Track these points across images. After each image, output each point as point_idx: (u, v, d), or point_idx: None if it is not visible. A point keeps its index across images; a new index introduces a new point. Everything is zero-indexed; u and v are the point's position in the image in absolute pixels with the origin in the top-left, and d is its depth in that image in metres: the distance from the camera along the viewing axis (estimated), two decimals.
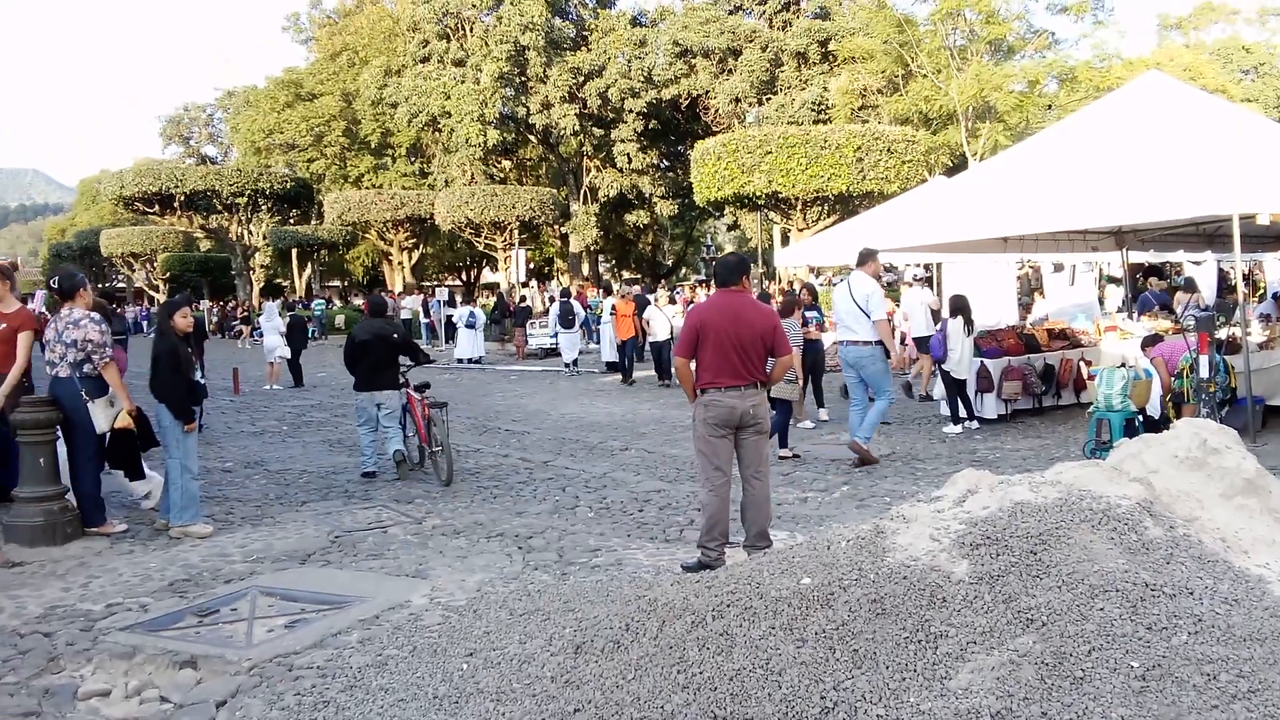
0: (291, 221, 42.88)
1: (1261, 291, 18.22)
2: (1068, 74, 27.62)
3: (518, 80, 35.57)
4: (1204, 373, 7.84)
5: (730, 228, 46.61)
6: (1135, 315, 12.94)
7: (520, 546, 6.28)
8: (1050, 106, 27.93)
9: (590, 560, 5.91)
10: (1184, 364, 8.01)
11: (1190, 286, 14.20)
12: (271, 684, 4.08)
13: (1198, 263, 16.74)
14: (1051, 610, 3.02)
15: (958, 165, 26.41)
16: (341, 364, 9.36)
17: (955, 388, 10.40)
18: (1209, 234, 12.72)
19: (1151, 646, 2.82)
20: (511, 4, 34.34)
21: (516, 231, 34.02)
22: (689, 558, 5.64)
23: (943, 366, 10.47)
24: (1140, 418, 8.21)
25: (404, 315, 30.26)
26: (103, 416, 6.66)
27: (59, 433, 6.72)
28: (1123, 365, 8.43)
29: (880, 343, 8.56)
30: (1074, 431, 9.78)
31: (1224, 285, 17.23)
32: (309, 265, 46.64)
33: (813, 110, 32.27)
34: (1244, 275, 14.85)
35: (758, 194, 24.81)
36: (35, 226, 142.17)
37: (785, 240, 28.43)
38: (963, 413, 10.36)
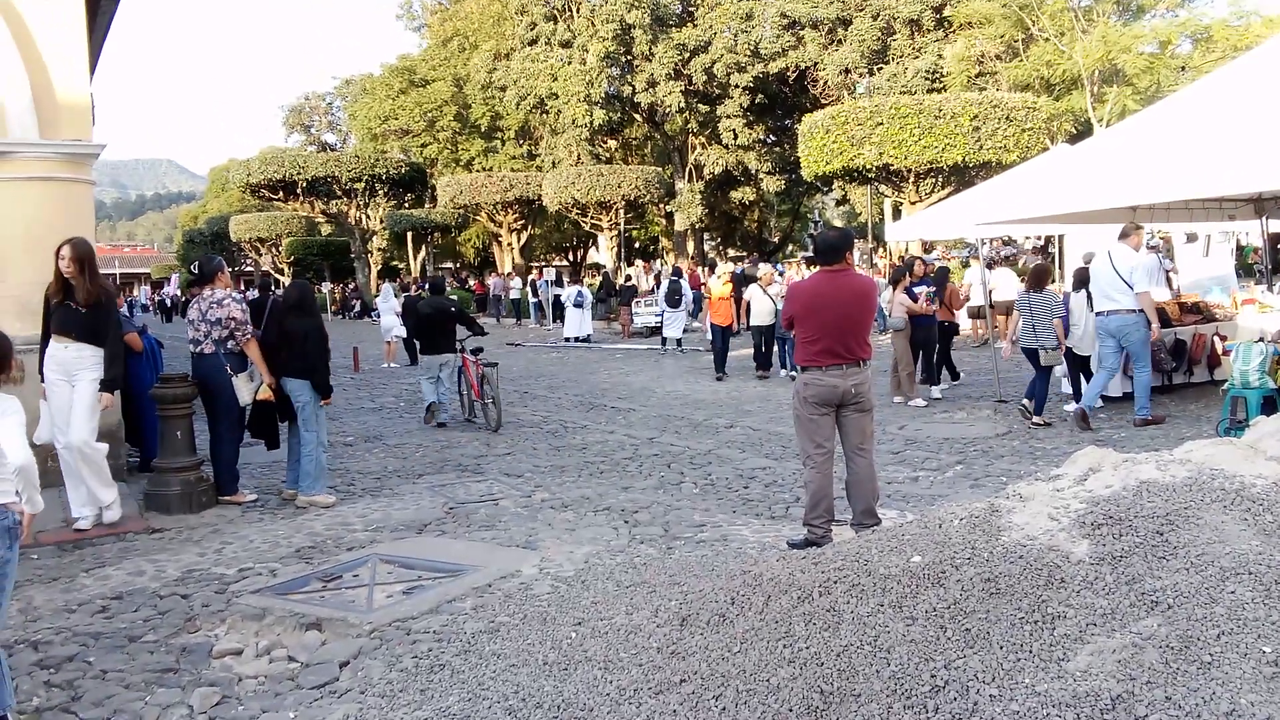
0: (406, 205, 44.21)
1: None
2: (1202, 33, 25.89)
3: (623, 59, 35.59)
4: None
5: (839, 202, 45.64)
6: (1276, 288, 12.11)
7: (626, 520, 6.36)
8: (1184, 68, 26.25)
9: (695, 535, 5.94)
10: None
11: None
12: (390, 647, 4.26)
13: None
14: (1178, 593, 2.88)
15: (1082, 132, 25.18)
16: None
17: (1078, 364, 9.97)
18: None
19: None
20: None
21: (622, 211, 34.18)
22: (795, 535, 5.61)
23: (1065, 343, 10.03)
24: None
25: (513, 295, 30.89)
26: (245, 390, 7.15)
27: (195, 408, 7.16)
28: (1261, 340, 7.91)
29: (1143, 311, 8.86)
30: (1207, 410, 9.26)
31: None
32: (423, 248, 48.02)
33: (927, 79, 31.19)
34: None
35: (868, 167, 24.21)
36: (170, 214, 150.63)
37: (897, 214, 27.70)
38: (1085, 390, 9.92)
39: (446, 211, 42.44)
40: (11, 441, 3.38)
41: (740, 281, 17.66)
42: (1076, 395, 9.96)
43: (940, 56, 30.90)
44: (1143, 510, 3.27)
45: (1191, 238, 15.06)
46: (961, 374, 12.77)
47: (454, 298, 14.42)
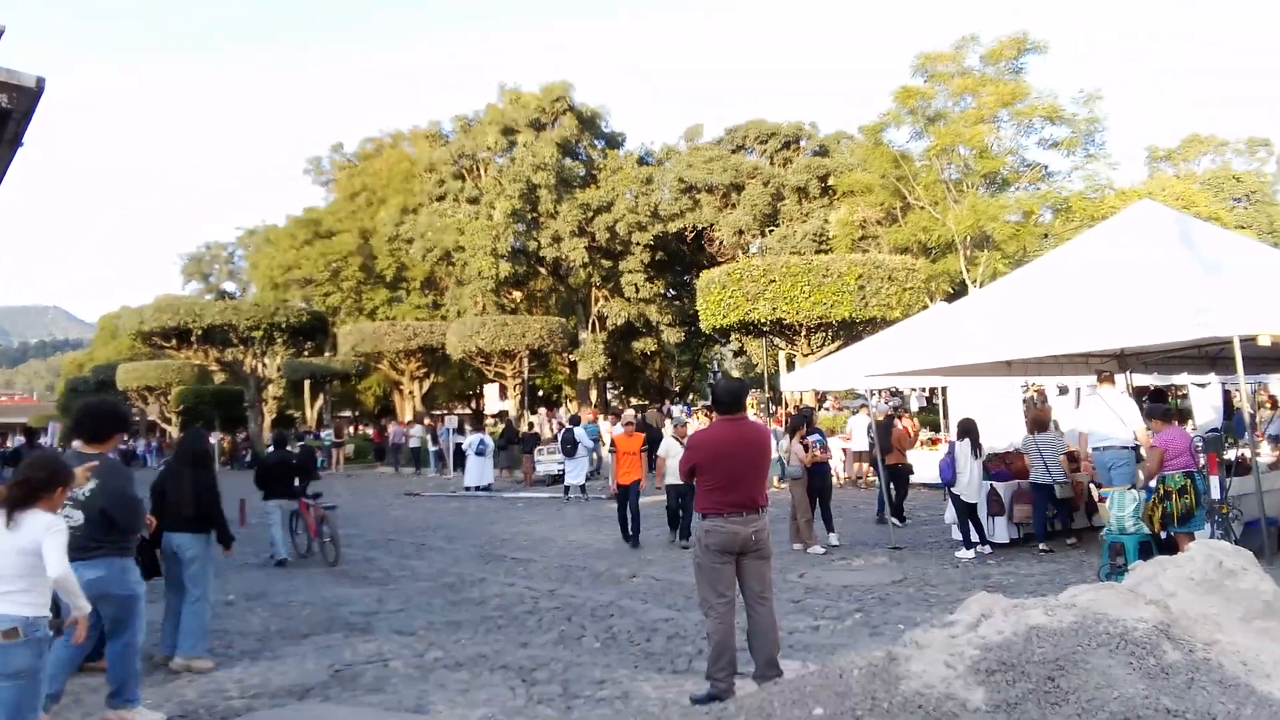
0: (306, 354, 43.49)
1: (1264, 413, 18.14)
2: (1062, 204, 28.37)
3: (529, 216, 36.70)
4: (1215, 494, 7.75)
5: (736, 353, 47.01)
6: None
7: (524, 679, 6.11)
8: (1046, 235, 28.55)
9: (595, 694, 5.74)
10: (1173, 485, 7.92)
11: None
12: None
13: (1202, 385, 16.76)
14: None
15: (958, 292, 26.82)
16: (351, 495, 9.83)
17: (966, 511, 10.28)
18: (1212, 356, 12.77)
19: None
20: (524, 146, 35.82)
21: (526, 360, 34.38)
22: (698, 689, 5.47)
23: (952, 490, 10.38)
24: (1157, 539, 8.07)
25: (413, 444, 30.30)
26: None
27: None
28: (1133, 488, 8.34)
29: (1136, 448, 9.60)
30: (1088, 555, 9.60)
31: (1229, 406, 17.20)
32: (321, 395, 47.02)
33: (814, 241, 33.08)
34: (1249, 397, 14.85)
35: (762, 321, 25.16)
36: (54, 362, 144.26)
37: (790, 365, 28.65)
38: (974, 537, 10.21)
39: (347, 360, 41.93)
40: (53, 556, 4.01)
41: (643, 429, 17.71)
42: (966, 542, 10.22)
43: (826, 221, 32.95)
44: (1034, 656, 3.34)
45: (1063, 390, 15.99)
46: (908, 519, 13.15)
47: (296, 450, 14.87)
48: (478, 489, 21.37)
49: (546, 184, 35.24)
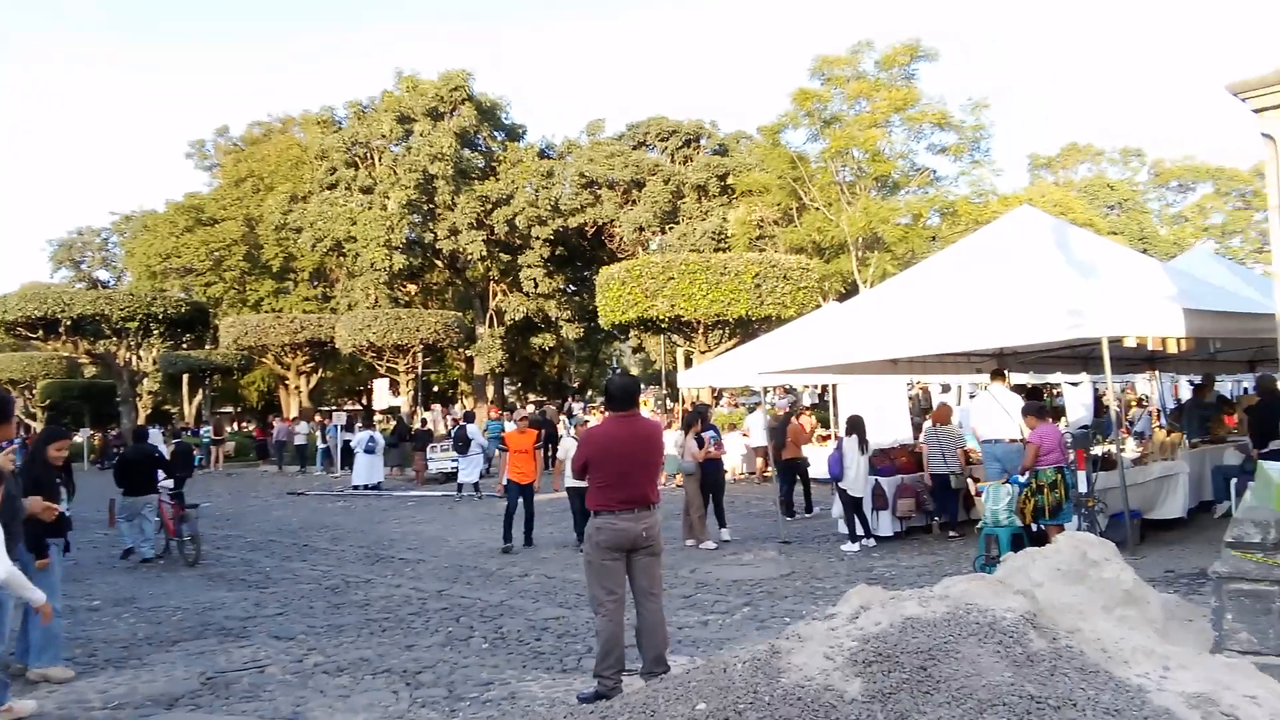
0: (184, 346, 41.58)
1: (1131, 410, 19.25)
2: (948, 208, 29.48)
3: (425, 207, 35.97)
4: (1082, 488, 8.13)
5: (635, 350, 47.24)
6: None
7: (408, 683, 5.95)
8: (934, 238, 29.63)
9: (482, 695, 5.63)
10: (1045, 479, 8.28)
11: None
12: None
13: (1075, 383, 17.62)
14: None
15: (849, 291, 27.57)
16: (231, 495, 9.40)
17: (852, 506, 10.53)
18: (1084, 356, 13.43)
19: None
20: (421, 135, 35.07)
21: (420, 354, 33.71)
22: (585, 688, 5.43)
23: (840, 485, 10.62)
24: (1029, 531, 8.42)
25: (298, 441, 29.35)
26: None
27: None
28: (1007, 482, 8.69)
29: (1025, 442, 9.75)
30: (966, 547, 9.96)
31: (1099, 404, 18.15)
32: (200, 390, 45.08)
33: (713, 239, 33.48)
34: (1116, 395, 15.67)
35: (661, 318, 25.31)
36: None
37: (688, 362, 28.92)
38: (860, 530, 10.47)
39: (229, 353, 40.26)
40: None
41: (541, 426, 17.55)
42: (852, 535, 10.48)
43: (725, 220, 33.38)
44: (908, 646, 3.40)
45: (946, 388, 16.58)
46: (816, 507, 13.46)
47: (158, 446, 14.63)
48: (366, 488, 20.82)
49: (444, 175, 34.61)
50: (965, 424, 12.91)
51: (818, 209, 28.98)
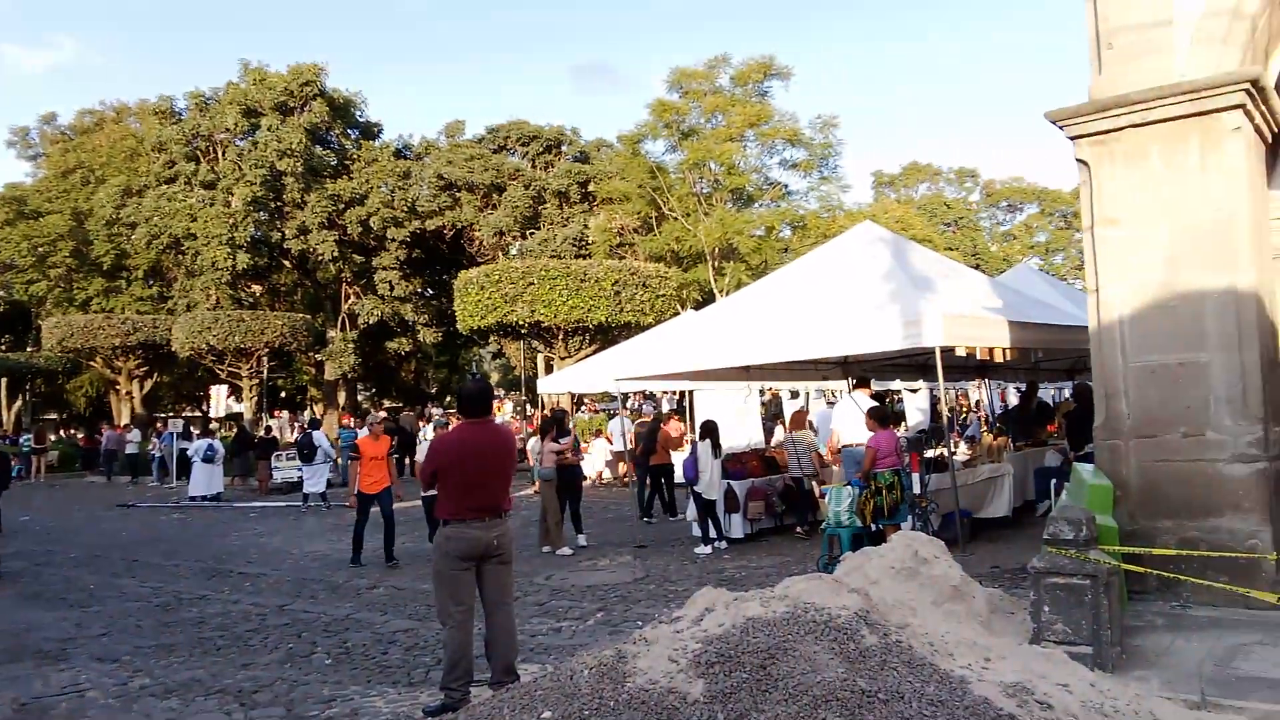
0: (2, 348, 38.32)
1: (964, 416, 20.47)
2: (799, 221, 30.59)
3: (273, 204, 34.43)
4: (917, 489, 8.57)
5: (495, 355, 46.72)
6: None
7: (243, 703, 5.67)
8: (786, 249, 30.66)
9: (323, 712, 5.43)
10: (883, 481, 8.70)
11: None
12: None
13: (913, 390, 18.58)
14: None
15: (706, 300, 28.16)
16: (52, 506, 8.71)
17: (706, 508, 10.74)
18: (921, 364, 14.17)
19: None
20: (269, 130, 33.56)
21: (265, 359, 32.25)
22: (433, 701, 5.31)
23: (694, 488, 10.82)
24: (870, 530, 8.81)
25: (130, 450, 27.56)
26: None
27: None
28: (849, 484, 9.06)
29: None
30: (813, 548, 10.32)
31: (936, 410, 19.19)
32: (21, 396, 41.63)
33: (574, 245, 33.51)
34: (949, 401, 16.57)
35: (521, 323, 25.15)
36: None
37: (549, 368, 28.84)
38: (713, 533, 10.69)
39: (53, 356, 37.33)
40: None
41: (394, 434, 17.06)
42: (705, 537, 10.68)
43: (585, 227, 33.49)
44: (749, 646, 3.49)
45: (794, 394, 17.17)
46: (681, 515, 13.43)
47: None
48: (205, 498, 19.73)
49: (293, 171, 33.22)
50: (824, 430, 13.40)
51: (676, 219, 29.49)
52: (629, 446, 19.45)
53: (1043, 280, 15.87)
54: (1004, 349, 9.53)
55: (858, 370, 14.08)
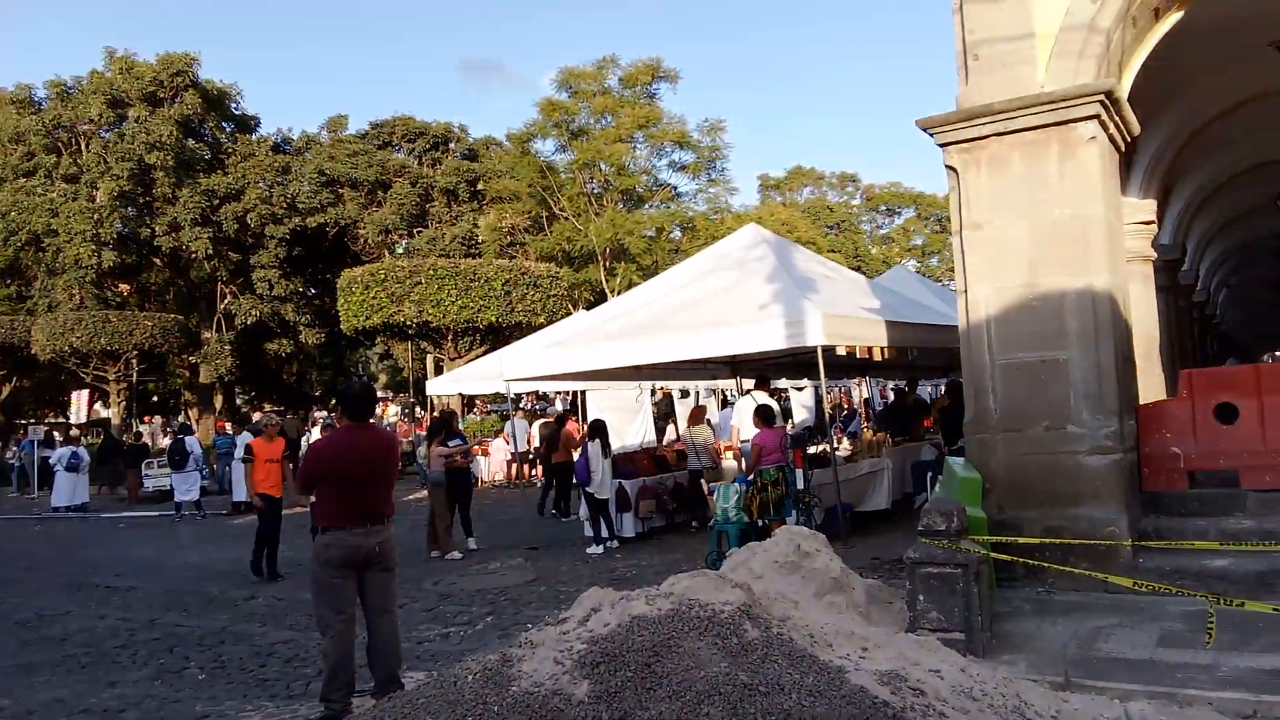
0: None
1: (847, 412, 21.11)
2: (688, 223, 30.96)
3: (141, 200, 32.72)
4: (800, 484, 8.80)
5: (382, 357, 45.61)
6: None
7: None
8: (676, 250, 30.99)
9: None
10: (768, 478, 8.91)
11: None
12: None
13: (800, 389, 19.05)
14: None
15: (598, 300, 28.21)
16: None
17: (597, 508, 10.75)
18: (806, 363, 14.53)
19: None
20: (136, 121, 31.88)
21: (135, 362, 30.66)
22: (313, 713, 5.16)
23: (585, 489, 10.82)
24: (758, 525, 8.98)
25: None
26: None
27: None
28: (736, 481, 9.23)
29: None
30: (702, 544, 10.45)
31: (821, 407, 19.73)
32: None
33: (463, 245, 33.01)
34: (831, 399, 17.03)
35: (408, 323, 24.64)
36: None
37: (439, 369, 28.35)
38: (604, 532, 10.71)
39: None
40: None
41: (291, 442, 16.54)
42: (596, 537, 10.70)
43: (475, 225, 33.04)
44: (633, 645, 3.51)
45: (684, 393, 17.37)
46: (573, 515, 13.36)
47: None
48: (69, 509, 18.64)
49: (163, 165, 31.61)
50: (725, 426, 13.59)
51: (567, 219, 29.45)
52: (526, 448, 19.44)
53: (918, 282, 16.53)
54: (882, 348, 9.87)
55: (746, 370, 14.37)
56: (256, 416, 19.78)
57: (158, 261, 35.78)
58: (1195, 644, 4.97)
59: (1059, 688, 4.54)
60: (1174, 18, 7.28)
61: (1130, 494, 6.66)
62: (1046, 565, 6.04)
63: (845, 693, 3.36)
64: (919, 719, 3.30)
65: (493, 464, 20.90)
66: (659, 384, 16.87)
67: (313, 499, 5.37)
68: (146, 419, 34.65)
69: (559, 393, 26.62)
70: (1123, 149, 7.32)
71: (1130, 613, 5.78)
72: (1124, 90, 7.09)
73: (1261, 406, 6.75)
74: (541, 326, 21.26)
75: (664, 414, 17.55)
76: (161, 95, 33.06)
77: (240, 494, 16.60)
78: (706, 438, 11.95)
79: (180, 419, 37.00)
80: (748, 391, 11.97)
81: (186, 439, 17.80)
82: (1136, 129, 7.25)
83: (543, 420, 17.77)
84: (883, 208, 58.20)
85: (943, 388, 19.38)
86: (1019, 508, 6.67)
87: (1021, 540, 6.23)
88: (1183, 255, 14.92)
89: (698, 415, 12.73)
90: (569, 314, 22.94)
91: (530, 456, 19.67)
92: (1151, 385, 9.75)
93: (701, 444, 11.73)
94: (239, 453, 15.33)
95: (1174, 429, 6.99)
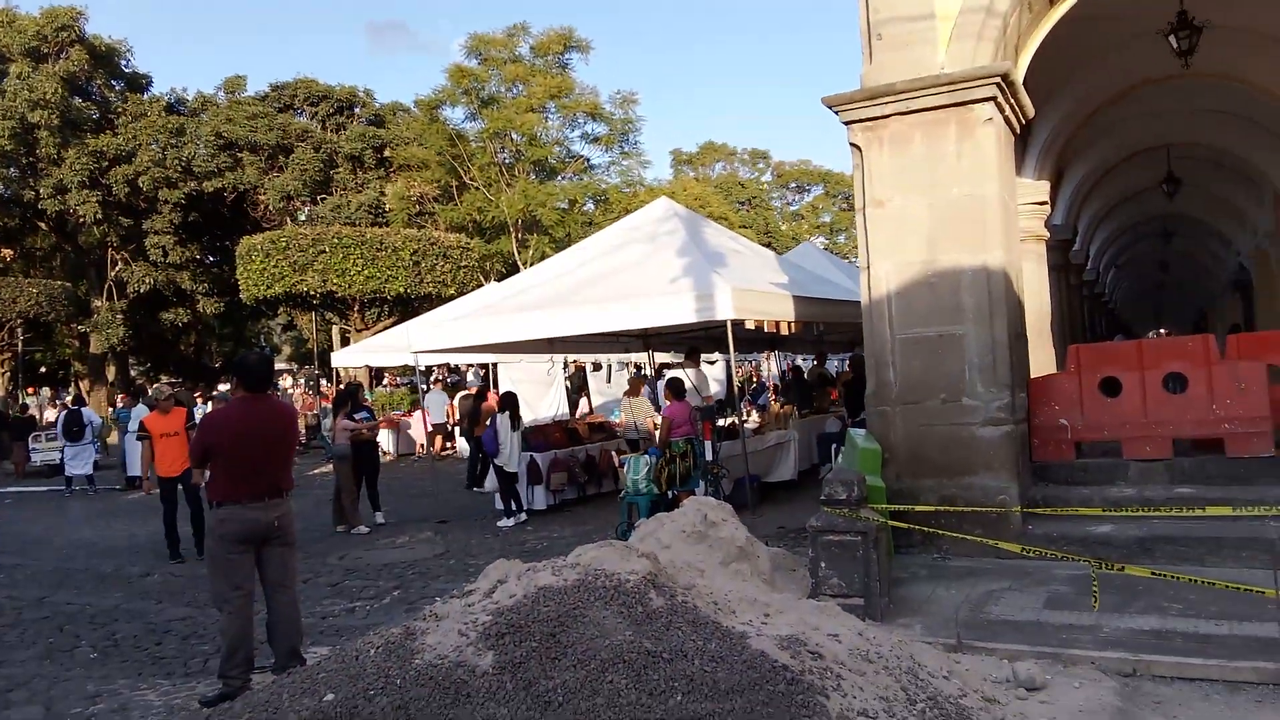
0: None
1: (755, 386, 21.46)
2: (601, 195, 30.83)
3: (24, 161, 30.93)
4: (709, 456, 8.94)
5: (286, 327, 44.33)
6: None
7: None
8: (590, 223, 30.85)
9: (87, 709, 5.04)
10: (677, 450, 9.03)
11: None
12: None
13: (711, 362, 19.25)
14: (567, 690, 3.14)
15: (510, 271, 27.92)
16: None
17: (507, 481, 10.72)
18: (717, 337, 14.70)
19: (652, 711, 3.04)
20: (18, 78, 30.00)
21: (20, 331, 29.12)
22: (210, 690, 5.03)
23: (495, 462, 10.76)
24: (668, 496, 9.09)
25: None
26: None
27: None
28: (646, 453, 9.31)
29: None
30: (614, 516, 10.53)
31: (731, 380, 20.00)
32: None
33: (370, 213, 32.19)
34: (739, 372, 17.27)
35: (312, 293, 23.96)
36: None
37: (345, 340, 27.70)
38: (514, 506, 10.69)
39: None
40: None
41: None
42: (507, 510, 10.68)
43: (382, 193, 32.23)
44: (539, 615, 3.53)
45: (597, 366, 17.39)
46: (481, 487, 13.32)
47: None
48: None
49: (48, 124, 29.89)
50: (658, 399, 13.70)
51: (478, 189, 28.99)
52: (445, 419, 19.18)
53: (825, 258, 16.85)
54: (790, 322, 10.04)
55: (658, 343, 14.46)
56: (154, 388, 18.99)
57: (43, 226, 33.95)
58: (1080, 606, 5.25)
59: (951, 649, 4.74)
60: (1068, 3, 7.53)
61: (1021, 464, 6.96)
62: (941, 532, 6.28)
63: (746, 658, 3.45)
64: (817, 681, 3.41)
65: (415, 436, 20.53)
66: (571, 357, 16.84)
67: (207, 473, 5.21)
68: (32, 390, 33.00)
69: (470, 365, 26.37)
70: (1018, 131, 7.57)
71: (1019, 577, 6.06)
72: (1020, 73, 7.32)
73: (1143, 381, 7.12)
74: (452, 298, 20.93)
75: (577, 387, 17.54)
76: (45, 50, 31.16)
77: (135, 468, 15.97)
78: (646, 408, 11.98)
79: (71, 390, 35.31)
80: (684, 364, 12.12)
81: (84, 410, 17.05)
82: (1031, 112, 7.51)
83: (463, 394, 17.54)
84: (793, 184, 59.01)
85: (848, 362, 19.88)
86: (916, 477, 6.91)
87: (918, 508, 6.46)
88: (1074, 235, 15.59)
89: (635, 387, 12.78)
90: (480, 285, 22.66)
91: (450, 429, 19.42)
92: (1043, 360, 10.20)
93: (641, 414, 11.80)
94: (133, 426, 14.77)
95: (1062, 402, 7.32)
